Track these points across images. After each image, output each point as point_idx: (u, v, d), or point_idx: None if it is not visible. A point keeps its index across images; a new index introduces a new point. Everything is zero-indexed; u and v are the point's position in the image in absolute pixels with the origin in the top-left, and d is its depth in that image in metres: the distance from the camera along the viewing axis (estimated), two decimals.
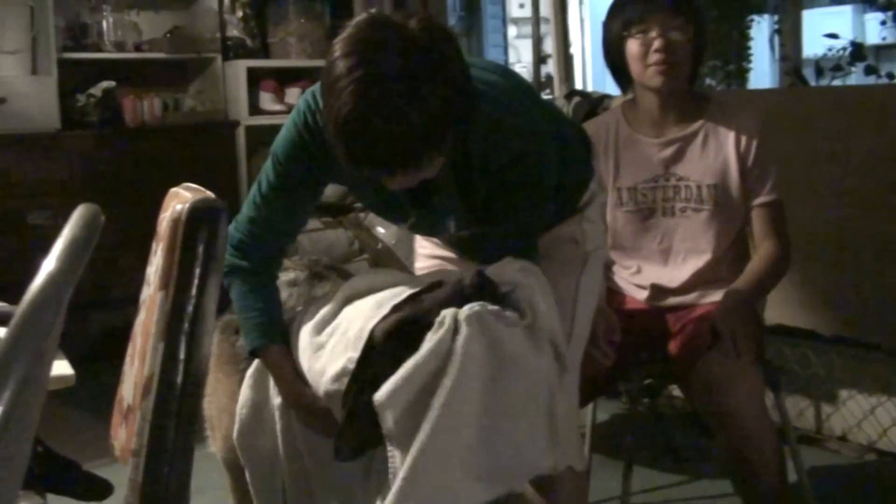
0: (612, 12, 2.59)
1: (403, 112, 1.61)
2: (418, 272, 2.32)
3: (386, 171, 1.73)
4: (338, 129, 1.66)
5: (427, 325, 1.69)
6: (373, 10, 1.75)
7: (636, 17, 2.50)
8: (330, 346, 1.86)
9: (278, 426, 1.98)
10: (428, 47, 1.65)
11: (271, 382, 2.00)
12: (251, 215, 2.01)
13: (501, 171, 1.88)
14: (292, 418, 1.97)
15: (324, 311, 1.94)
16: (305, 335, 1.93)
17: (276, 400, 1.98)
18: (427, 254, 2.34)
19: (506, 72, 2.04)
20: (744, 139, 2.53)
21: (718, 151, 2.55)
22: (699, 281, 2.59)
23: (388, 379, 1.67)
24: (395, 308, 1.76)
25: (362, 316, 1.82)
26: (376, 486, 1.83)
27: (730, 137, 2.54)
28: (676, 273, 2.61)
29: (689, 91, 2.62)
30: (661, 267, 2.63)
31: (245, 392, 2.04)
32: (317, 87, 1.88)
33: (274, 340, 1.98)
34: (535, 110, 1.97)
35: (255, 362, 2.03)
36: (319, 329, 1.91)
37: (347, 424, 1.74)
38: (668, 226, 2.61)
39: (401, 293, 1.83)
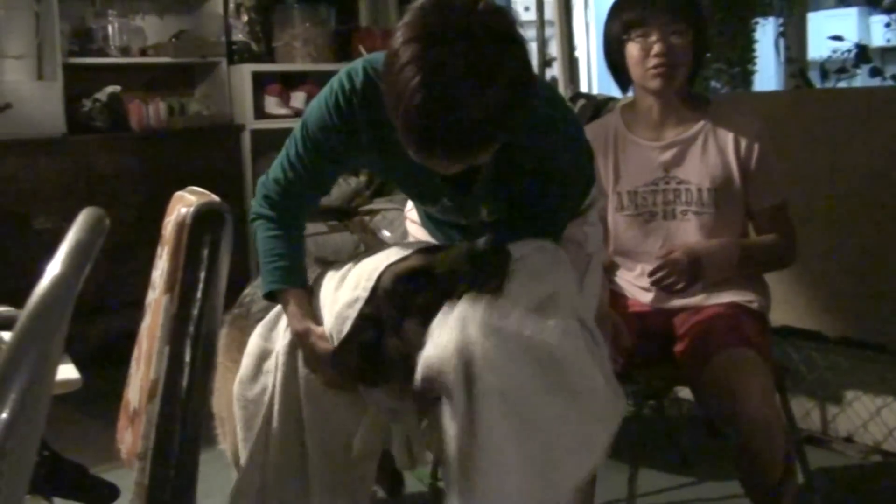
0: (612, 13, 2.60)
1: (468, 103, 1.61)
2: None
3: (445, 160, 1.73)
4: (402, 118, 1.65)
5: (434, 277, 1.77)
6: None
7: (636, 19, 2.51)
8: (347, 281, 1.90)
9: (279, 372, 1.97)
10: (493, 34, 1.64)
11: (279, 329, 2.01)
12: (278, 177, 2.03)
13: (542, 163, 1.90)
14: (297, 361, 1.97)
15: (343, 269, 1.96)
16: (327, 285, 1.96)
17: (283, 342, 1.99)
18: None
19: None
20: (744, 143, 2.53)
21: (719, 154, 2.55)
22: (703, 283, 2.58)
23: (388, 320, 1.77)
24: (405, 257, 1.83)
25: (376, 259, 1.87)
26: (370, 436, 1.87)
27: (730, 140, 2.54)
28: None
29: (689, 94, 2.62)
30: None
31: (253, 340, 2.04)
32: (352, 67, 1.92)
33: (294, 284, 1.99)
34: (569, 107, 2.00)
35: (267, 316, 2.04)
36: (340, 280, 1.93)
37: (345, 345, 1.80)
38: (669, 229, 2.60)
39: (415, 246, 1.91)
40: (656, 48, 2.49)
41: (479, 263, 1.75)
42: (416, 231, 2.34)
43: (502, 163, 1.87)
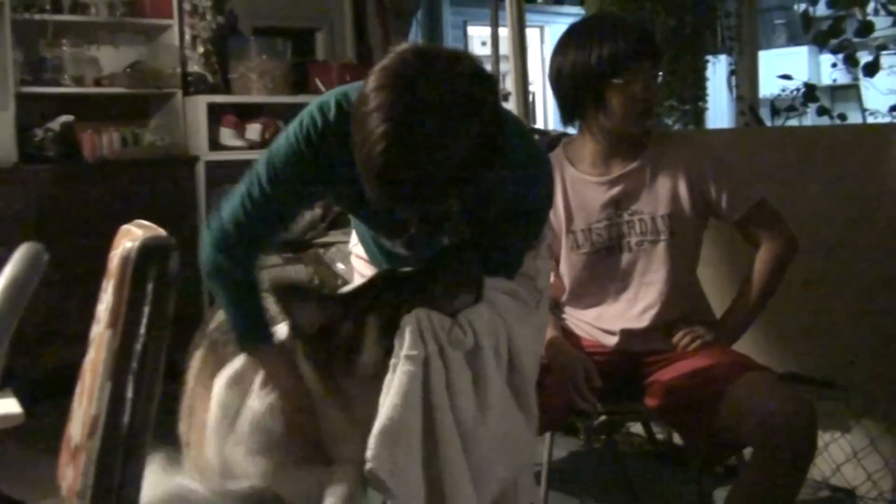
0: (589, 43, 2.52)
1: (432, 157, 1.60)
2: None
3: (405, 208, 1.74)
4: (364, 163, 1.64)
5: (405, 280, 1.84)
6: (419, 42, 1.73)
7: (623, 59, 2.47)
8: None
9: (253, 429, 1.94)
10: (465, 88, 1.63)
11: (253, 386, 1.97)
12: (238, 219, 1.95)
13: (513, 200, 1.90)
14: (268, 417, 1.93)
15: None
16: None
17: (258, 401, 1.95)
18: None
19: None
20: (695, 166, 2.55)
21: (667, 180, 2.56)
22: (659, 317, 2.60)
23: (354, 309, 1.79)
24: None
25: None
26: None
27: (678, 165, 2.56)
28: (638, 308, 2.61)
29: None
30: (623, 305, 2.63)
31: (222, 392, 1.99)
32: (324, 101, 1.89)
33: (267, 342, 1.96)
34: (536, 144, 2.01)
35: (233, 368, 2.00)
36: None
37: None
38: (626, 262, 2.61)
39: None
40: (643, 94, 2.49)
41: (448, 262, 1.79)
42: (363, 267, 2.32)
43: (470, 203, 1.85)
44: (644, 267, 2.59)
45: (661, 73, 2.59)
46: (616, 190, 2.60)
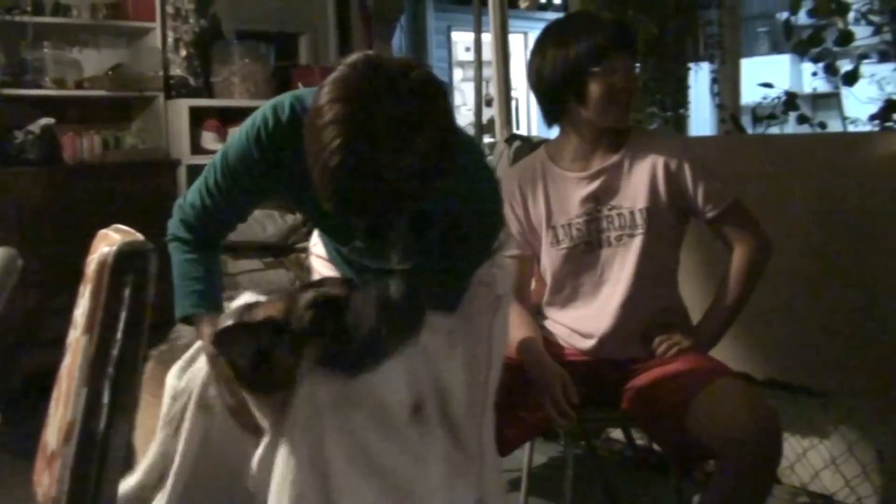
0: (566, 39, 2.54)
1: (387, 169, 1.62)
2: None
3: (359, 219, 1.76)
4: (319, 176, 1.66)
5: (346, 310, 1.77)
6: (369, 52, 1.72)
7: (601, 50, 2.49)
8: None
9: (190, 412, 1.95)
10: (419, 99, 1.64)
11: (195, 367, 1.99)
12: (195, 202, 2.04)
13: (457, 216, 1.93)
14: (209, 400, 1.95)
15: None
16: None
17: (198, 379, 1.96)
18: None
19: None
20: (673, 161, 2.55)
21: (645, 174, 2.56)
22: (634, 314, 2.60)
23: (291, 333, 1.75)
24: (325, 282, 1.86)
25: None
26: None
27: (656, 160, 2.56)
28: (613, 304, 2.60)
29: None
30: (601, 303, 2.63)
31: (168, 381, 2.01)
32: (279, 101, 1.93)
33: (209, 308, 1.98)
34: (483, 155, 2.02)
35: (185, 355, 2.02)
36: None
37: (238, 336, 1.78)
38: (606, 257, 2.61)
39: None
40: (622, 83, 2.50)
41: (390, 314, 1.75)
42: (322, 266, 2.34)
43: (418, 213, 1.87)
44: (621, 262, 2.59)
45: (637, 66, 2.59)
46: (595, 184, 2.60)
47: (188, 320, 2.00)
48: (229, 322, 1.83)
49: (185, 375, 2.00)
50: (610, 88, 2.50)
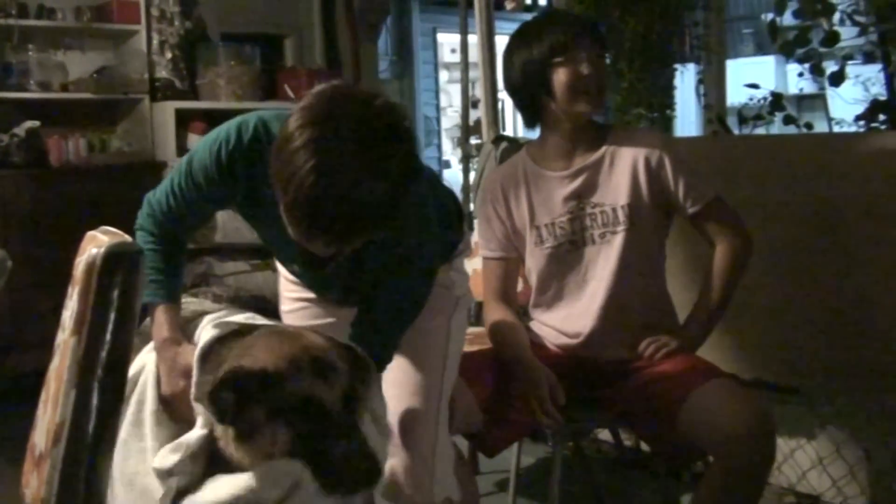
0: (526, 39, 2.58)
1: (358, 194, 1.65)
2: (284, 315, 2.42)
3: (326, 244, 1.77)
4: (290, 201, 1.68)
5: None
6: (335, 82, 1.78)
7: (562, 44, 2.51)
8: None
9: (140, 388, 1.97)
10: (387, 128, 1.69)
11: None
12: (161, 200, 2.10)
13: (396, 248, 1.98)
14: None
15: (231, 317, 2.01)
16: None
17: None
18: (293, 297, 2.41)
19: None
20: (654, 159, 2.56)
21: (627, 170, 2.57)
22: (620, 312, 2.61)
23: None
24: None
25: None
26: None
27: (637, 156, 2.57)
28: (598, 303, 2.60)
29: (591, 122, 2.65)
30: (587, 301, 2.63)
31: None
32: (244, 120, 1.97)
33: (164, 299, 2.03)
34: (426, 185, 2.06)
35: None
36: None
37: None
38: (590, 255, 2.62)
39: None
40: (587, 71, 2.51)
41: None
42: (285, 271, 2.40)
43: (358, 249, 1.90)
44: (605, 259, 2.60)
45: (608, 56, 2.62)
46: (577, 182, 2.61)
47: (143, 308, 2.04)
48: (215, 336, 1.81)
49: (143, 348, 2.04)
50: (575, 77, 2.51)
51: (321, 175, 1.63)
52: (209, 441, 1.71)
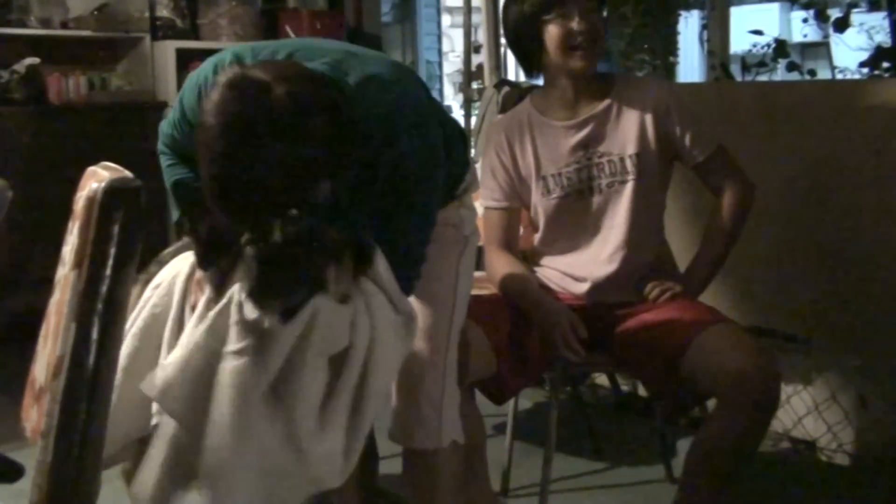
0: None
1: (265, 178, 1.71)
2: None
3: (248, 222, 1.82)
4: (211, 192, 1.77)
5: None
6: (236, 70, 1.80)
7: (552, 1, 2.50)
8: None
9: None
10: (289, 111, 1.71)
11: (174, 291, 2.07)
12: (167, 130, 2.15)
13: (392, 175, 1.94)
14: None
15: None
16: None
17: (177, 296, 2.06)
18: None
19: (393, 66, 2.09)
20: (661, 106, 2.56)
21: (634, 119, 2.57)
22: (627, 260, 2.61)
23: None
24: None
25: None
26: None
27: (644, 104, 2.56)
28: (607, 251, 2.61)
29: (595, 72, 2.63)
30: (594, 250, 2.64)
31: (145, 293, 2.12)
32: (219, 59, 2.04)
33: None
34: (425, 104, 2.05)
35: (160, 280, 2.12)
36: None
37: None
38: (597, 204, 2.61)
39: None
40: (580, 27, 2.49)
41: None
42: None
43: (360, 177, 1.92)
44: (613, 208, 2.60)
45: (604, 10, 2.60)
46: (584, 132, 2.60)
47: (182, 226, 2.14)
48: None
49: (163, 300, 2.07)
50: (566, 33, 2.50)
51: (226, 168, 1.72)
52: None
